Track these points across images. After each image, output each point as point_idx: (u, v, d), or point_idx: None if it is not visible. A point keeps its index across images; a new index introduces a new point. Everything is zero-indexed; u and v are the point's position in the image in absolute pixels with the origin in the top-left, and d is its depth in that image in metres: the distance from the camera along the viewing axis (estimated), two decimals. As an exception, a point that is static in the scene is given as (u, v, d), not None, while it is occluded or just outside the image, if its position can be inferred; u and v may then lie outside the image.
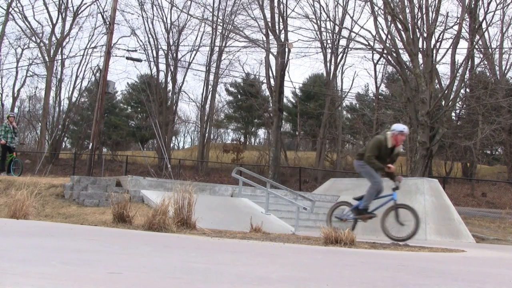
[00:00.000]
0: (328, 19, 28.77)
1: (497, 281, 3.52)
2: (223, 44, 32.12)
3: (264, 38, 26.37)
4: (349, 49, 29.34)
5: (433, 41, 18.51)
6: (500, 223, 13.96)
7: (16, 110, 37.62)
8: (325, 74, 33.91)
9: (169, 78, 33.92)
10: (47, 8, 32.96)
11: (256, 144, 46.92)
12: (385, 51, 20.40)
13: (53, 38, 33.17)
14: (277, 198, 11.34)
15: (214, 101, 35.83)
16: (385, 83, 36.00)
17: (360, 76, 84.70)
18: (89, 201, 9.92)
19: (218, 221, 8.61)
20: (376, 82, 32.93)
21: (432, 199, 11.52)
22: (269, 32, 25.56)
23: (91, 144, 18.94)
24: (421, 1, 18.32)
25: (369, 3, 20.28)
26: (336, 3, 29.00)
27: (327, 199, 13.20)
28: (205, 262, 3.65)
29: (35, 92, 41.07)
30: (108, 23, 19.22)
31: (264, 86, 35.88)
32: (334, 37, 29.08)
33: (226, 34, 30.73)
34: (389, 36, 19.02)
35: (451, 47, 18.75)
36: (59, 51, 33.50)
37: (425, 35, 18.02)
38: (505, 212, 15.50)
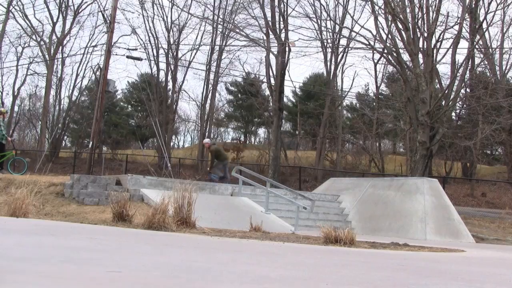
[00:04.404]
0: (328, 18, 28.79)
1: (496, 281, 3.52)
2: (224, 43, 32.12)
3: (265, 37, 26.32)
4: (349, 49, 29.30)
5: (433, 41, 18.47)
6: (500, 223, 13.96)
7: (16, 108, 37.66)
8: (325, 74, 33.90)
9: (169, 77, 33.93)
10: (47, 7, 33.00)
11: (256, 143, 46.90)
12: (385, 51, 20.37)
13: (54, 37, 33.19)
14: (277, 198, 11.34)
15: (214, 100, 35.87)
16: (386, 82, 35.99)
17: (360, 75, 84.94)
18: (89, 200, 9.91)
19: (218, 220, 8.61)
20: (376, 82, 32.94)
21: (432, 199, 11.52)
22: (269, 31, 25.52)
23: (91, 142, 18.94)
24: (422, 1, 18.29)
25: (369, 2, 20.26)
26: (336, 2, 28.98)
27: (327, 198, 13.20)
28: (205, 261, 3.65)
29: (35, 90, 41.20)
30: (108, 21, 19.22)
31: (264, 85, 35.88)
32: (335, 36, 29.06)
33: (226, 33, 30.72)
34: (389, 36, 18.98)
35: (452, 47, 18.72)
36: (60, 49, 33.54)
37: (425, 34, 17.99)
38: (504, 212, 15.52)
